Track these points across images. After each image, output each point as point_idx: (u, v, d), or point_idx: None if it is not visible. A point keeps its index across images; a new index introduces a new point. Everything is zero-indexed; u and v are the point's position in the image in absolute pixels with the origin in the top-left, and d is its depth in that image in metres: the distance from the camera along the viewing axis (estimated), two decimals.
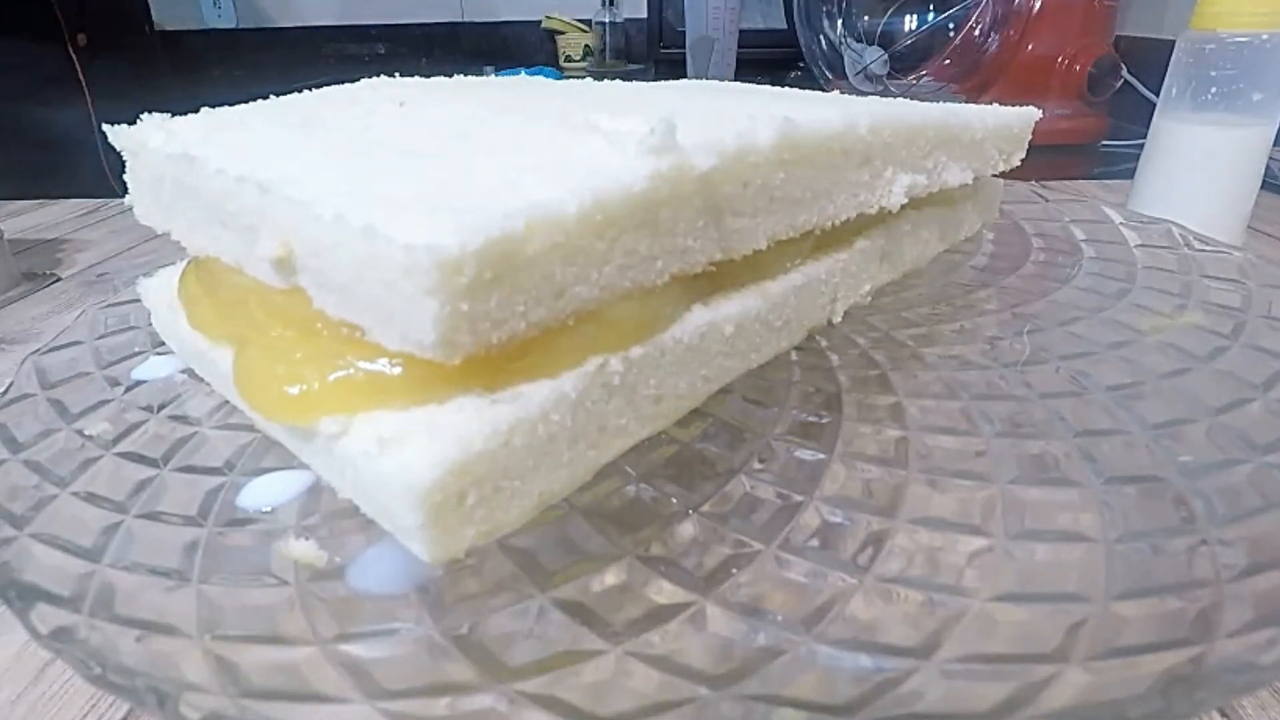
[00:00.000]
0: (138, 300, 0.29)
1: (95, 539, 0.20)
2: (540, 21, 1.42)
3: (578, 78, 0.39)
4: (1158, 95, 0.47)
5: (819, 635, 0.17)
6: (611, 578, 0.19)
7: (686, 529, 0.21)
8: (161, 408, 0.27)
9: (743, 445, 0.24)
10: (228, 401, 0.26)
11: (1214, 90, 0.44)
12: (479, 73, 0.37)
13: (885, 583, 0.19)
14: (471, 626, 0.18)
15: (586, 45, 1.37)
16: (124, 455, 0.24)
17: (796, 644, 0.17)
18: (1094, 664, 0.16)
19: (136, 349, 0.31)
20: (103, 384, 0.28)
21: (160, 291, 0.28)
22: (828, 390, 0.27)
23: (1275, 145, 0.44)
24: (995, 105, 0.36)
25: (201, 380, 0.27)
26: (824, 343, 0.31)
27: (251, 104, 0.29)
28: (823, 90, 0.85)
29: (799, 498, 0.22)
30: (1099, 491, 0.22)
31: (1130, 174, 0.50)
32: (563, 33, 1.38)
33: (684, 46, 1.04)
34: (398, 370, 0.18)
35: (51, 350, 0.30)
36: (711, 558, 0.20)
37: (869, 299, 0.33)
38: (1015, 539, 0.20)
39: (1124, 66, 0.75)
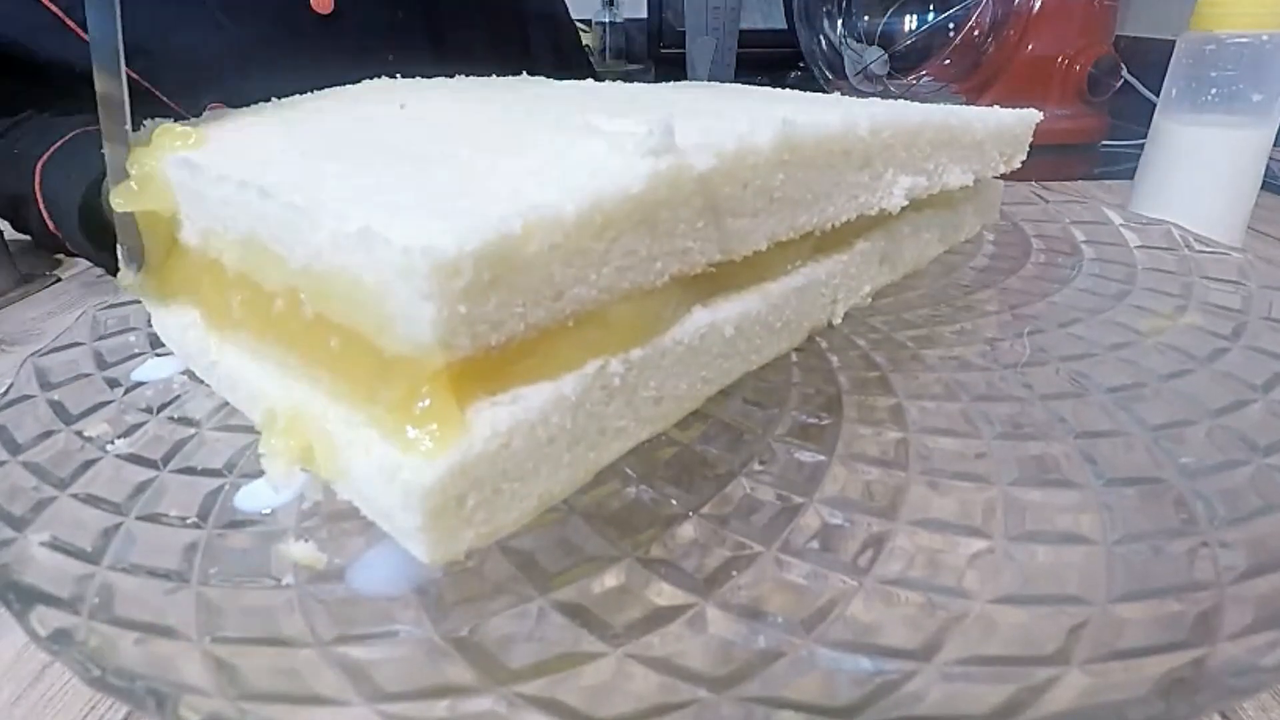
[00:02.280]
0: (138, 301, 0.29)
1: (95, 541, 0.20)
2: None
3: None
4: (1158, 95, 0.47)
5: (819, 637, 0.17)
6: (611, 580, 0.19)
7: (686, 531, 0.21)
8: (161, 409, 0.27)
9: (743, 447, 0.24)
10: (227, 403, 0.26)
11: (1214, 91, 0.44)
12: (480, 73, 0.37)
13: (885, 584, 0.19)
14: (471, 628, 0.18)
15: (586, 45, 1.36)
16: (124, 457, 0.24)
17: (797, 646, 0.17)
18: (1094, 666, 0.16)
19: (136, 350, 0.31)
20: (102, 385, 0.28)
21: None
22: (828, 392, 0.27)
23: (1275, 145, 0.44)
24: (996, 107, 0.36)
25: (201, 382, 0.27)
26: (824, 344, 0.31)
27: (252, 106, 0.29)
28: (823, 90, 0.85)
29: (799, 499, 0.22)
30: (1099, 493, 0.21)
31: (1130, 174, 0.50)
32: None
33: (684, 46, 1.04)
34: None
35: (51, 351, 0.30)
36: (711, 560, 0.20)
37: (869, 300, 0.33)
38: (1016, 541, 0.20)
39: (1124, 66, 0.75)
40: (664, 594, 0.19)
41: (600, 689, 0.16)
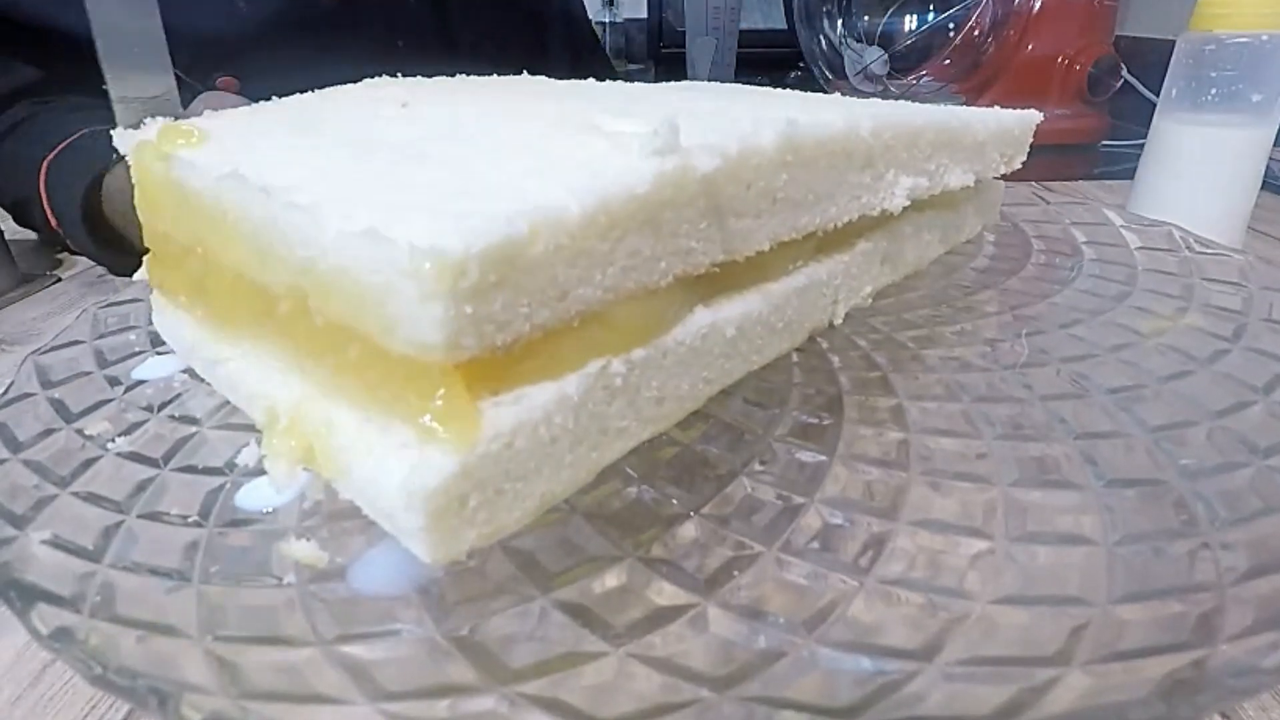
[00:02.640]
0: (138, 300, 0.29)
1: (96, 539, 0.20)
2: None
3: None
4: (1158, 95, 0.47)
5: (820, 637, 0.17)
6: (613, 579, 0.19)
7: (688, 531, 0.21)
8: (162, 407, 0.27)
9: (744, 447, 0.24)
10: (228, 401, 0.26)
11: (1214, 91, 0.44)
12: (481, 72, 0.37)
13: (886, 585, 0.19)
14: (472, 628, 0.18)
15: None
16: (124, 455, 0.24)
17: (798, 646, 0.17)
18: (1095, 667, 0.16)
19: (137, 349, 0.31)
20: (103, 384, 0.28)
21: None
22: (829, 392, 0.27)
23: (1275, 145, 0.44)
24: (996, 107, 0.36)
25: (202, 380, 0.27)
26: (825, 344, 0.31)
27: (254, 105, 0.29)
28: (823, 90, 0.85)
29: (800, 500, 0.22)
30: (1100, 494, 0.22)
31: (1130, 174, 0.50)
32: None
33: (684, 46, 1.04)
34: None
35: (52, 350, 0.30)
36: (713, 559, 0.20)
37: (870, 301, 0.33)
38: (1016, 541, 0.20)
39: (1124, 66, 0.75)
40: (665, 594, 0.19)
41: (602, 689, 0.16)
